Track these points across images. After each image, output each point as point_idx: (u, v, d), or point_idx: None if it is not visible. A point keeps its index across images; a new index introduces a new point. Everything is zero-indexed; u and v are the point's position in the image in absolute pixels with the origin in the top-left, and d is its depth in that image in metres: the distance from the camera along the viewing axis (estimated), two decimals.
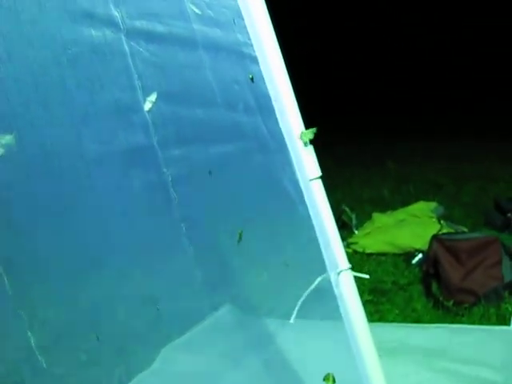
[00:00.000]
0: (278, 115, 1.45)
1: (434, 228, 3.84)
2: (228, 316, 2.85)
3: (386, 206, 4.80)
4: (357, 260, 3.83)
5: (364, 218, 4.47)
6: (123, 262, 1.59)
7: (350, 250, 3.88)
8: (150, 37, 1.13)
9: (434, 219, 3.97)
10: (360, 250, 3.89)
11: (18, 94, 0.91)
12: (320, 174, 1.54)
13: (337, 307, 1.58)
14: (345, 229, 4.12)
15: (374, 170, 6.22)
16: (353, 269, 1.55)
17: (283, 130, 1.47)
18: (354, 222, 4.17)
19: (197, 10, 1.24)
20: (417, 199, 4.69)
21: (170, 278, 1.96)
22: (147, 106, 1.08)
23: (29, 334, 2.09)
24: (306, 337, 2.39)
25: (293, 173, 1.47)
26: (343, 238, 3.42)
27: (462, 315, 2.99)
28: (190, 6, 1.22)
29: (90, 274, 1.82)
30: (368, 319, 1.55)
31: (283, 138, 1.47)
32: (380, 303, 3.26)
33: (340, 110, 9.11)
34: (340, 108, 9.25)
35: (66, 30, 0.99)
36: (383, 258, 3.89)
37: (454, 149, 6.76)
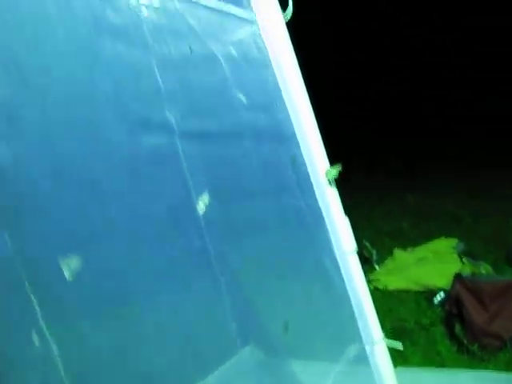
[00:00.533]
0: (316, 191, 1.47)
1: (455, 265, 3.83)
2: (250, 357, 2.84)
3: (405, 240, 4.79)
4: (378, 297, 3.81)
5: (384, 252, 4.46)
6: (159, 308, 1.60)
7: (371, 287, 3.87)
8: (201, 135, 1.16)
9: (455, 256, 3.96)
10: (381, 287, 3.89)
11: (80, 211, 0.93)
12: (356, 247, 1.56)
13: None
14: (366, 264, 4.11)
15: (392, 201, 6.19)
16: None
17: (321, 206, 1.49)
18: (374, 257, 4.17)
19: (243, 99, 1.26)
20: (436, 233, 4.68)
21: (201, 322, 1.96)
22: (200, 206, 1.10)
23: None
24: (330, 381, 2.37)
25: (330, 247, 1.48)
26: (364, 274, 3.39)
27: (488, 360, 2.96)
28: (238, 95, 1.24)
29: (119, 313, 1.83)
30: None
31: (321, 213, 1.49)
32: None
33: (341, 112, 9.09)
34: (340, 109, 9.23)
35: (124, 140, 1.01)
36: (405, 296, 3.87)
37: (469, 177, 6.71)
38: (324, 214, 1.47)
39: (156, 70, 1.08)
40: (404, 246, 4.48)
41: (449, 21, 10.42)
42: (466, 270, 3.79)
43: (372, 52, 11.10)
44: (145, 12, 1.11)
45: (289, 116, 1.40)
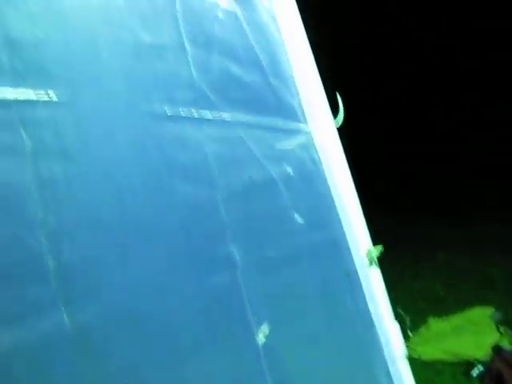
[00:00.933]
0: (366, 295, 1.50)
1: (493, 336, 3.75)
2: None
3: (438, 303, 4.72)
4: (413, 367, 3.73)
5: (417, 316, 4.39)
6: None
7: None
8: (261, 264, 1.20)
9: (492, 326, 3.88)
10: (416, 356, 3.82)
11: (156, 359, 0.97)
12: (406, 351, 1.58)
13: None
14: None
15: (424, 260, 6.12)
16: None
17: (371, 309, 1.51)
18: (408, 324, 4.11)
19: (299, 219, 1.31)
20: (469, 295, 4.61)
21: None
22: (259, 337, 1.14)
23: None
24: None
25: (381, 353, 1.49)
26: None
27: None
28: (295, 216, 1.29)
29: None
30: None
31: (371, 317, 1.51)
32: None
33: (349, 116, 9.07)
34: (349, 113, 9.20)
35: (193, 279, 1.06)
36: (440, 367, 3.79)
37: (499, 232, 6.59)
38: (374, 319, 1.49)
39: (220, 204, 1.14)
40: (437, 309, 4.42)
41: (457, 26, 10.26)
42: (504, 342, 3.71)
43: (380, 57, 11.05)
44: (210, 145, 1.18)
45: (343, 230, 1.44)
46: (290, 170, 1.37)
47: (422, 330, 4.12)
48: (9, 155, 0.87)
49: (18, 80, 0.92)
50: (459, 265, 5.83)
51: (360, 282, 1.47)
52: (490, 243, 6.25)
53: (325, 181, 1.46)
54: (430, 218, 7.65)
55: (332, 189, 1.47)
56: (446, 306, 4.59)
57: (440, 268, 5.84)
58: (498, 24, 9.74)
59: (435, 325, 4.10)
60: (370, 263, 1.52)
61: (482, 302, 4.45)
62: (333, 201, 1.45)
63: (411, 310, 4.44)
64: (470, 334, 3.87)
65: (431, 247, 6.40)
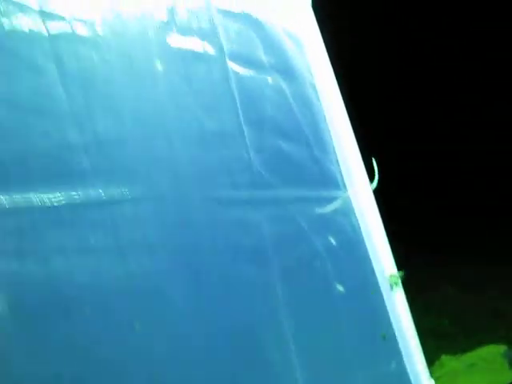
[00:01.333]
0: (404, 357, 1.56)
1: (506, 375, 3.79)
2: None
3: (447, 338, 4.75)
4: None
5: (429, 352, 4.39)
6: None
7: None
8: (309, 339, 1.27)
9: (505, 365, 3.92)
10: None
11: None
12: None
13: None
14: None
15: (431, 293, 6.05)
16: None
17: (408, 370, 1.58)
18: None
19: (341, 288, 1.38)
20: (479, 331, 4.64)
21: None
22: None
23: None
24: None
25: None
26: None
27: None
28: (337, 286, 1.37)
29: None
30: None
31: (409, 379, 1.57)
32: None
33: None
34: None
35: (251, 355, 1.12)
36: None
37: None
38: (412, 380, 1.56)
39: (276, 282, 1.21)
40: (447, 347, 4.43)
41: (457, 26, 10.16)
42: None
43: (380, 57, 11.03)
44: (266, 225, 1.25)
45: (381, 293, 1.51)
46: (332, 239, 1.44)
47: (436, 367, 4.14)
48: (102, 253, 0.94)
49: (106, 180, 0.99)
50: (468, 297, 5.76)
51: (397, 342, 1.53)
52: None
53: (364, 246, 1.53)
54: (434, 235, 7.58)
55: (371, 253, 1.54)
56: (456, 342, 4.61)
57: (449, 303, 5.77)
58: (498, 24, 9.67)
59: (448, 363, 4.13)
60: (392, 288, 1.58)
61: (493, 338, 4.43)
62: (371, 264, 1.52)
63: (422, 346, 4.44)
64: (484, 372, 3.89)
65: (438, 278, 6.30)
